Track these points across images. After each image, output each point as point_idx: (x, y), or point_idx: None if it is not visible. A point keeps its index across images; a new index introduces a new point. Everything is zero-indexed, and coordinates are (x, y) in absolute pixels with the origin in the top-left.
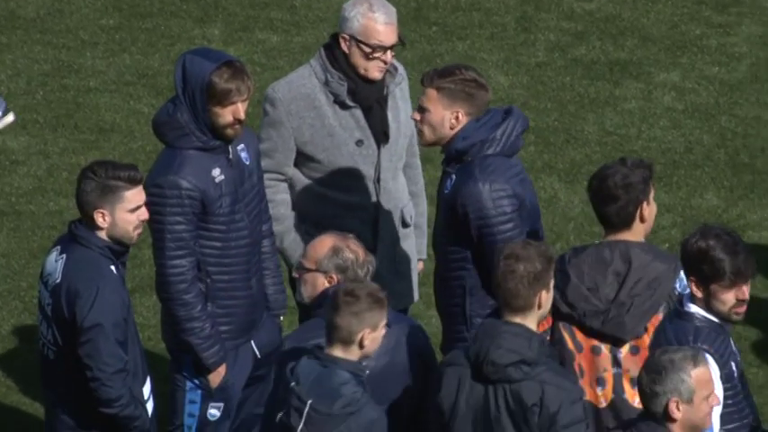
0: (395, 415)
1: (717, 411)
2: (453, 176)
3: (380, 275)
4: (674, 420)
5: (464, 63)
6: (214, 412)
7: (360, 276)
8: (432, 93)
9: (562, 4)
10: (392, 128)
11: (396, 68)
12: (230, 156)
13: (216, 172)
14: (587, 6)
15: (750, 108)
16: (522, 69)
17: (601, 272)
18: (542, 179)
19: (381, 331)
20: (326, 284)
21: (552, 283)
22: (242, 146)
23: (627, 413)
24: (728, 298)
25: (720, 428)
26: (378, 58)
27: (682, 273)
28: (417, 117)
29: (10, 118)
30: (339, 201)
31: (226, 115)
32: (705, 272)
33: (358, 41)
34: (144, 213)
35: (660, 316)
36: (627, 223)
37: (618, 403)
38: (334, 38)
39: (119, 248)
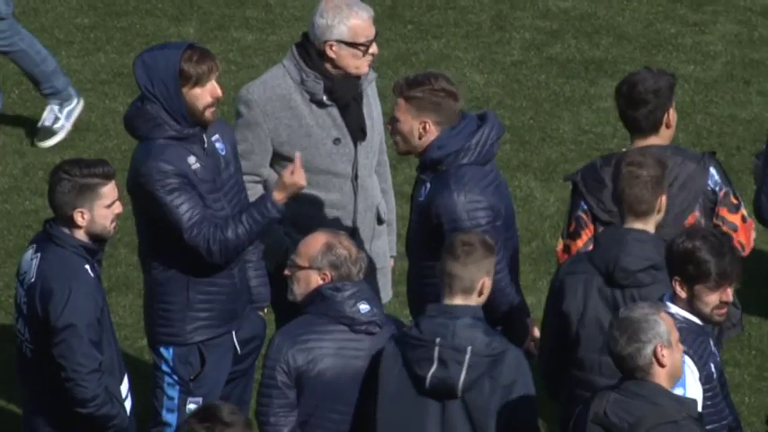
0: None
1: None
2: (428, 184)
3: None
4: (663, 365)
5: (436, 71)
6: (192, 408)
7: (353, 273)
8: (401, 102)
9: (537, 2)
10: (367, 125)
11: None
12: (205, 145)
13: (191, 159)
14: (562, 5)
15: (725, 107)
16: (497, 68)
17: None
18: (518, 178)
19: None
20: (320, 282)
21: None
22: (216, 136)
23: None
24: (712, 299)
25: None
26: (369, 53)
27: (712, 169)
28: (389, 127)
29: (80, 106)
30: (317, 200)
31: (205, 96)
32: (690, 272)
33: (348, 44)
34: (118, 207)
35: (697, 214)
36: (655, 127)
37: None
38: (306, 36)
39: (94, 247)
